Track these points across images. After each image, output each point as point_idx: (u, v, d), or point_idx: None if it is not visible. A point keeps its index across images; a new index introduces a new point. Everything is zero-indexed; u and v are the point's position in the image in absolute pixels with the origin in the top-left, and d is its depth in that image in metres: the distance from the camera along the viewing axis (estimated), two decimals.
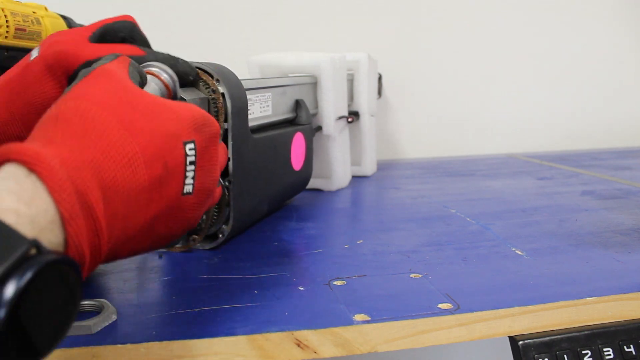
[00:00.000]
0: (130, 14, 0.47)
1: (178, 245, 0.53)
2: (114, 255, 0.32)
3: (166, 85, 0.43)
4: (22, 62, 0.42)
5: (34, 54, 0.42)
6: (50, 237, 0.25)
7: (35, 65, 0.41)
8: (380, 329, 0.37)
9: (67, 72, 0.41)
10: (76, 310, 0.25)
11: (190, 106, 0.36)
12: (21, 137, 0.41)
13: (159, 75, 0.42)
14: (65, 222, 0.25)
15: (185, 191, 0.34)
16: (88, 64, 0.40)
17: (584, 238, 0.57)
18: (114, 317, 0.38)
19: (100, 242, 0.28)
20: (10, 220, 0.23)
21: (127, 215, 0.30)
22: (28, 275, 0.21)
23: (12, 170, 0.25)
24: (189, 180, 0.34)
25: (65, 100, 0.32)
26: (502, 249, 0.54)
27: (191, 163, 0.34)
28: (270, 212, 0.67)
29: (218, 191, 0.43)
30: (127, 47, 0.43)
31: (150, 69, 0.42)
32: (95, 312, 0.39)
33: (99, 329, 0.37)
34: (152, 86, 0.41)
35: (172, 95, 0.43)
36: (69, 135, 0.29)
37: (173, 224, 0.35)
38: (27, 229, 0.23)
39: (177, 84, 0.44)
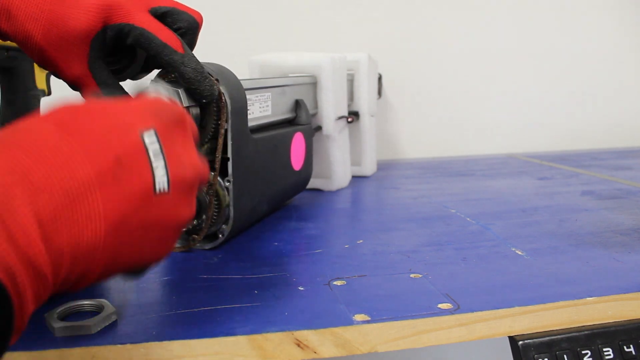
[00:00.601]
0: None
1: (178, 245, 0.53)
2: (87, 274, 0.28)
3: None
4: None
5: None
6: None
7: None
8: (380, 329, 0.37)
9: (106, 20, 0.42)
10: (6, 339, 0.23)
11: (144, 97, 0.33)
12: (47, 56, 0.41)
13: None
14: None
15: (158, 188, 0.29)
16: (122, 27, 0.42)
17: (584, 238, 0.57)
18: (114, 317, 0.38)
19: (37, 257, 0.24)
20: None
21: (73, 220, 0.25)
22: None
23: None
24: (160, 176, 0.29)
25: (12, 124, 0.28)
26: (502, 249, 0.54)
27: (156, 154, 0.29)
28: (270, 212, 0.67)
29: (204, 170, 0.36)
30: (173, 37, 0.43)
31: (153, 92, 0.44)
32: (95, 312, 0.39)
33: (99, 329, 0.37)
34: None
35: None
36: (3, 145, 0.25)
37: (156, 228, 0.30)
38: None
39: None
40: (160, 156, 0.29)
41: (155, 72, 0.50)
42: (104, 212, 0.26)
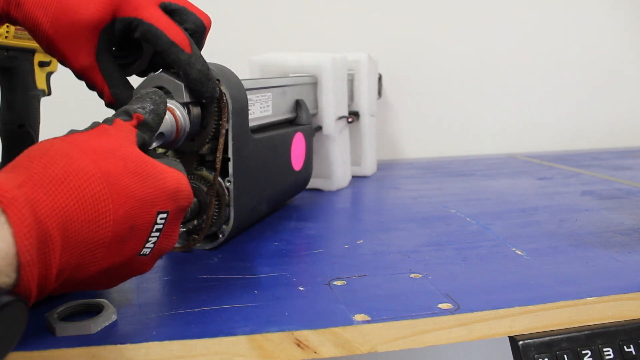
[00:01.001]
0: None
1: (178, 245, 0.53)
2: (54, 290, 0.32)
3: (176, 121, 0.45)
4: None
5: None
6: (5, 279, 0.26)
7: None
8: (380, 329, 0.37)
9: (116, 13, 0.42)
10: (19, 335, 0.27)
11: (178, 176, 0.37)
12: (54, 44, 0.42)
13: (174, 110, 0.45)
14: (21, 267, 0.26)
15: (142, 252, 0.35)
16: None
17: (584, 238, 0.57)
18: (114, 317, 0.38)
19: (47, 284, 0.29)
20: None
21: (79, 265, 0.31)
22: None
23: None
24: (149, 245, 0.35)
25: (59, 140, 0.32)
26: (502, 249, 0.54)
27: (157, 230, 0.35)
28: (270, 212, 0.67)
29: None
30: (181, 36, 0.43)
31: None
32: (95, 312, 0.39)
33: (99, 329, 0.37)
34: (164, 119, 0.43)
35: (180, 130, 0.46)
36: (49, 177, 0.29)
37: (117, 277, 0.37)
38: None
39: (187, 119, 0.46)
40: (158, 233, 0.35)
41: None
42: (100, 263, 0.32)
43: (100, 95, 0.45)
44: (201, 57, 0.45)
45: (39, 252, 0.28)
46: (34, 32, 0.42)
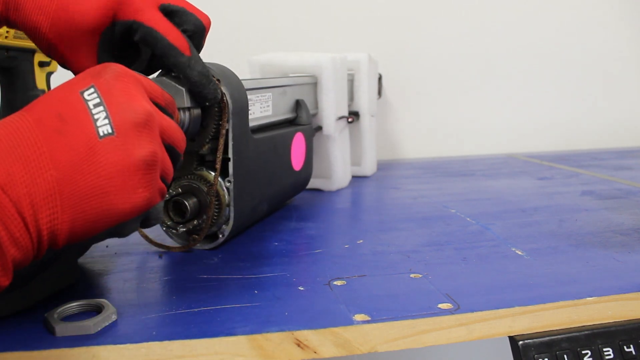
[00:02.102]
0: None
1: (178, 245, 0.53)
2: (56, 227, 0.30)
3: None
4: None
5: None
6: None
7: None
8: (380, 329, 0.37)
9: (115, 15, 0.42)
10: None
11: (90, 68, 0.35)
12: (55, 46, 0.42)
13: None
14: None
15: (101, 133, 0.32)
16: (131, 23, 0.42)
17: (584, 238, 0.57)
18: (114, 317, 0.38)
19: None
20: None
21: (26, 173, 0.29)
22: None
23: None
24: (101, 122, 0.32)
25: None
26: (502, 249, 0.54)
27: (96, 105, 0.32)
28: (270, 212, 0.67)
29: (151, 110, 0.36)
30: (181, 39, 0.43)
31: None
32: (95, 312, 0.39)
33: (99, 329, 0.37)
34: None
35: (180, 123, 0.46)
36: None
37: (113, 170, 0.32)
38: None
39: (187, 121, 0.47)
40: (101, 106, 0.32)
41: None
42: (51, 163, 0.30)
43: None
44: (200, 59, 0.45)
45: None
46: (34, 35, 0.41)
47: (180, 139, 0.39)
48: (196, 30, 0.45)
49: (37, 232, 0.30)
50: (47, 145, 0.30)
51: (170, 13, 0.44)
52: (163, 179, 0.37)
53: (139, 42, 0.43)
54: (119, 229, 0.34)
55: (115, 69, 0.35)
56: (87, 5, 0.41)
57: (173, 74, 0.47)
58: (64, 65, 0.44)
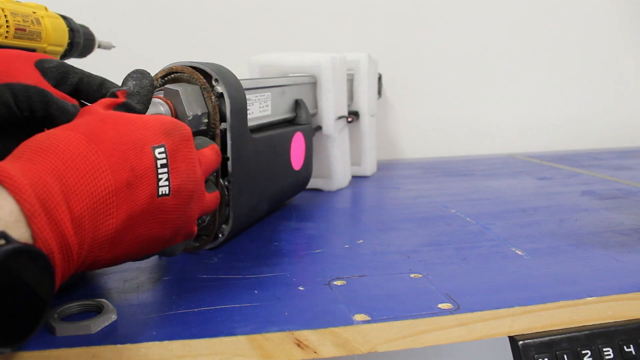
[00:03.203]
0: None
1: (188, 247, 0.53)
2: (97, 259, 0.33)
3: (170, 107, 0.46)
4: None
5: None
6: (18, 233, 0.27)
7: None
8: (380, 329, 0.37)
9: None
10: (48, 299, 0.27)
11: (160, 116, 0.38)
12: None
13: (167, 98, 0.46)
14: (28, 219, 0.27)
15: (160, 193, 0.35)
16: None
17: (584, 238, 0.57)
18: (114, 317, 0.38)
19: (69, 241, 0.29)
20: None
21: (95, 217, 0.31)
22: None
23: None
24: (163, 182, 0.35)
25: (45, 131, 0.33)
26: (502, 249, 0.54)
27: (162, 166, 0.35)
28: (270, 212, 0.67)
29: (212, 197, 0.44)
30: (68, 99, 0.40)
31: (159, 93, 0.46)
32: (95, 312, 0.39)
33: (99, 329, 0.37)
34: (160, 109, 0.45)
35: (175, 115, 0.47)
36: (35, 152, 0.31)
37: (155, 226, 0.36)
38: None
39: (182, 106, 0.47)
40: (166, 168, 0.36)
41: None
42: (116, 213, 0.33)
43: None
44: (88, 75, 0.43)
45: (42, 205, 0.28)
46: None
47: (216, 165, 0.45)
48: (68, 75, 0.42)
49: (79, 266, 0.32)
50: (117, 196, 0.33)
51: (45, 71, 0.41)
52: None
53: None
54: (138, 258, 0.39)
55: (183, 132, 0.38)
56: None
57: (169, 86, 0.47)
58: None
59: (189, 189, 0.38)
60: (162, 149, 0.36)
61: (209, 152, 0.43)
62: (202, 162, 0.41)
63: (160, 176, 0.35)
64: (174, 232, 0.38)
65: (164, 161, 0.35)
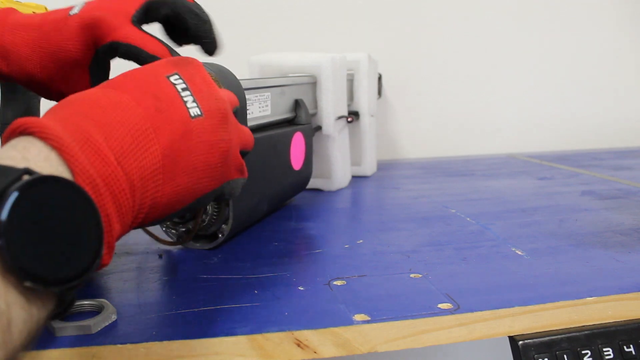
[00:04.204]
0: None
1: (170, 240, 0.53)
2: (156, 196, 0.31)
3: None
4: (61, 12, 0.43)
5: (75, 10, 0.42)
6: (49, 170, 0.25)
7: (72, 21, 0.42)
8: (380, 329, 0.37)
9: (96, 42, 0.42)
10: (98, 238, 0.25)
11: (165, 58, 0.38)
12: (41, 82, 0.43)
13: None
14: (60, 152, 0.25)
15: (192, 114, 0.34)
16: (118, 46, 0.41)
17: (584, 238, 0.57)
18: (114, 317, 0.38)
19: (113, 170, 0.28)
20: (2, 162, 0.23)
21: (136, 146, 0.30)
22: (19, 183, 0.22)
23: (14, 140, 0.26)
24: (190, 104, 0.34)
25: None
26: (502, 249, 0.54)
27: (184, 89, 0.34)
28: (270, 211, 0.67)
29: (247, 129, 0.42)
30: (158, 45, 0.43)
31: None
32: (95, 312, 0.39)
33: (99, 328, 0.37)
34: None
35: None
36: (60, 106, 0.30)
37: (202, 151, 0.34)
38: (20, 165, 0.23)
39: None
40: (188, 91, 0.35)
41: None
42: (156, 138, 0.31)
43: None
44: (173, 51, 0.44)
45: (74, 138, 0.27)
46: (31, 83, 0.43)
47: (238, 104, 0.42)
48: (171, 6, 0.44)
49: (139, 207, 0.30)
50: (150, 121, 0.31)
51: (145, 14, 0.44)
52: (243, 153, 0.40)
53: (125, 59, 0.43)
54: (195, 204, 0.36)
55: (192, 62, 0.37)
56: (65, 41, 0.42)
57: None
58: None
59: (220, 107, 0.36)
60: (176, 76, 0.35)
61: (226, 92, 0.42)
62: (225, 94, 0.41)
63: (185, 99, 0.34)
64: (222, 158, 0.36)
65: (183, 85, 0.35)
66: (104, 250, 0.26)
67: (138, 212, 0.30)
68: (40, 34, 0.42)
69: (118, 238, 0.29)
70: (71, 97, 0.31)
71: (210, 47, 0.47)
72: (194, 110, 0.34)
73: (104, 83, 0.34)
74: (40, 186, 0.23)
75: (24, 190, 0.22)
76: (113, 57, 0.44)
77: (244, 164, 0.40)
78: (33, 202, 0.22)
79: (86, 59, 0.43)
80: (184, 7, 0.44)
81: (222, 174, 0.37)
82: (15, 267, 0.21)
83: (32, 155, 0.24)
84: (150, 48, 0.42)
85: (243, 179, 0.41)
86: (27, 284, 0.22)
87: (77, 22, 0.41)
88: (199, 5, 0.45)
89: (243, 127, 0.41)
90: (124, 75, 0.34)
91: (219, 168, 0.36)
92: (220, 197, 0.39)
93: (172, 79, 0.34)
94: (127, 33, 0.42)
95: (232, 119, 0.38)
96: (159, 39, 0.43)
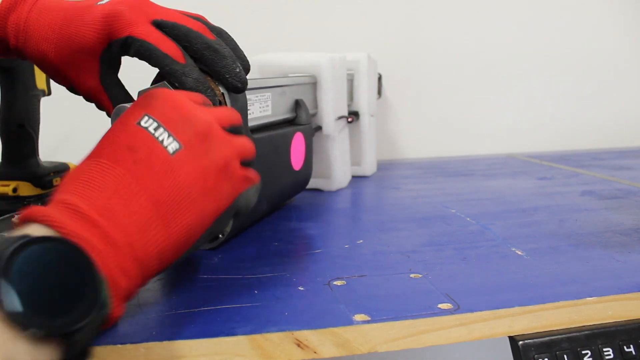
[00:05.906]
0: None
1: None
2: (163, 239, 0.32)
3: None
4: (90, 1, 0.44)
5: (104, 0, 0.44)
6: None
7: (97, 10, 0.43)
8: (380, 329, 0.37)
9: (110, 34, 0.43)
10: (95, 287, 0.27)
11: (134, 101, 0.38)
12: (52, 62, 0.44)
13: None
14: (50, 224, 0.28)
15: (171, 150, 0.33)
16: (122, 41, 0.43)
17: (584, 238, 0.57)
18: None
19: (100, 224, 0.29)
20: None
21: (122, 204, 0.31)
22: (20, 241, 0.25)
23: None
24: (167, 141, 0.34)
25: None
26: (502, 249, 0.54)
27: (156, 129, 0.34)
28: (270, 212, 0.67)
29: (243, 138, 0.40)
30: (173, 47, 0.43)
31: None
32: None
33: None
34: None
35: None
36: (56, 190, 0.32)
37: (195, 177, 0.34)
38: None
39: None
40: (161, 128, 0.34)
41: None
42: (142, 190, 0.32)
43: (109, 115, 0.47)
44: (196, 67, 0.44)
45: (60, 207, 0.29)
46: (42, 63, 0.44)
47: (237, 119, 0.41)
48: (184, 35, 0.44)
49: (145, 256, 0.31)
50: (131, 176, 0.32)
51: (163, 25, 0.44)
52: (246, 163, 0.40)
53: (135, 57, 0.44)
54: (215, 227, 0.36)
55: (159, 93, 0.36)
56: (85, 28, 0.43)
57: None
58: (72, 89, 0.46)
59: (198, 131, 0.35)
60: (145, 118, 0.34)
61: (216, 109, 0.41)
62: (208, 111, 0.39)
63: (160, 138, 0.33)
64: (219, 177, 0.36)
65: (155, 124, 0.34)
66: (114, 303, 0.28)
67: (148, 260, 0.31)
68: (65, 17, 0.43)
69: (133, 290, 0.31)
70: (65, 179, 0.33)
71: (233, 83, 0.45)
72: (172, 146, 0.34)
73: (88, 155, 0.34)
74: (33, 245, 0.25)
75: (19, 248, 0.25)
76: (126, 53, 0.44)
77: (248, 172, 0.40)
78: (27, 258, 0.25)
79: (100, 48, 0.44)
80: (203, 44, 0.44)
81: (227, 192, 0.36)
82: (10, 317, 0.24)
83: (30, 230, 0.27)
84: (164, 47, 0.43)
85: (255, 187, 0.40)
86: (26, 333, 0.24)
87: (100, 11, 0.43)
88: (219, 41, 0.45)
89: (238, 137, 0.39)
90: (101, 140, 0.35)
91: (220, 187, 0.36)
92: (238, 213, 0.39)
93: (142, 123, 0.34)
94: (144, 30, 0.43)
95: (218, 134, 0.37)
96: (175, 43, 0.44)
